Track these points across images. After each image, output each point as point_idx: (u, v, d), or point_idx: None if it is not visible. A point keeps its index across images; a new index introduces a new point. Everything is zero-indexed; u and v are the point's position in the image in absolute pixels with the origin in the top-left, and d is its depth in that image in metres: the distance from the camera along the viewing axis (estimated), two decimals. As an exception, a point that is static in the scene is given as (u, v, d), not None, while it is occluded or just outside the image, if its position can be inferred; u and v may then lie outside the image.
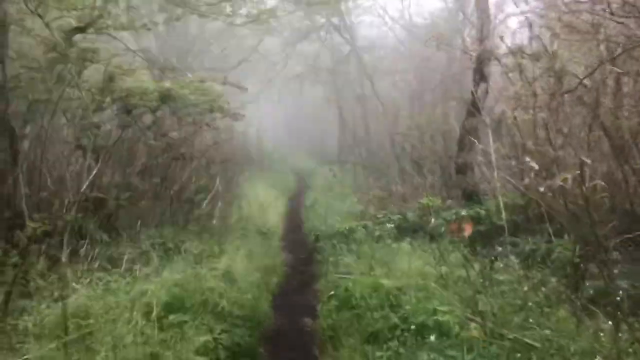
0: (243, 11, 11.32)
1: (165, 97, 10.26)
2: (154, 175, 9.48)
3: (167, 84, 10.50)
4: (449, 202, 9.72)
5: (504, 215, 6.97)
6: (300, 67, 23.65)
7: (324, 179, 19.73)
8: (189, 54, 22.47)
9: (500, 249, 6.85)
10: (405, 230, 9.27)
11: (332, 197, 14.81)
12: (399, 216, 9.53)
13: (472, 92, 8.26)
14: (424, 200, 9.54)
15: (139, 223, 7.83)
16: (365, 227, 9.46)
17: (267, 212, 12.85)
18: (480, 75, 7.92)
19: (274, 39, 26.04)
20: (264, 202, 14.12)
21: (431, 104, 14.28)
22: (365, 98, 23.17)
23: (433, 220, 8.83)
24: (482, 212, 7.69)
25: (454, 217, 8.08)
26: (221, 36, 25.88)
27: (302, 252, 9.91)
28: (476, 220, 7.73)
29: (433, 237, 8.69)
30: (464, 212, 7.94)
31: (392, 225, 8.96)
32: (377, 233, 8.83)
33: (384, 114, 19.13)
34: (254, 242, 8.78)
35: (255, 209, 12.83)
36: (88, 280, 5.45)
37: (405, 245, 8.34)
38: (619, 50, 5.95)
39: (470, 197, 8.35)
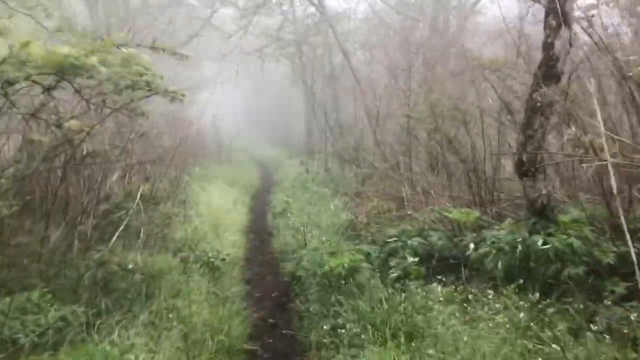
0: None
1: (63, 69, 6.87)
2: (34, 189, 6.04)
3: (65, 49, 7.06)
4: (484, 217, 6.67)
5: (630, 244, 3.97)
6: (261, 41, 20.14)
7: (294, 173, 16.46)
8: (129, 27, 18.68)
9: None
10: (427, 259, 6.19)
11: (307, 199, 11.58)
12: (418, 239, 6.39)
13: (545, 46, 5.17)
14: (453, 214, 6.45)
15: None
16: (369, 258, 6.32)
17: (222, 225, 9.54)
18: (560, 18, 4.83)
19: (228, 10, 22.49)
20: (219, 208, 10.78)
21: (438, 80, 11.12)
22: (336, 77, 19.96)
23: (472, 246, 5.77)
24: (575, 242, 4.65)
25: (520, 246, 4.99)
26: (167, 8, 22.21)
27: (275, 310, 6.36)
28: (561, 254, 4.69)
29: (472, 274, 5.65)
30: (538, 240, 4.87)
31: (413, 259, 5.81)
32: (393, 274, 5.68)
33: (362, 94, 15.98)
34: (197, 297, 5.45)
35: (208, 221, 9.52)
36: None
37: (436, 289, 5.26)
38: None
39: (541, 212, 5.33)
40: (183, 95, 7.80)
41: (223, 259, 7.09)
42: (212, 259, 6.96)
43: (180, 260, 6.80)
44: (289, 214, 10.47)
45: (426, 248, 6.34)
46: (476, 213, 6.34)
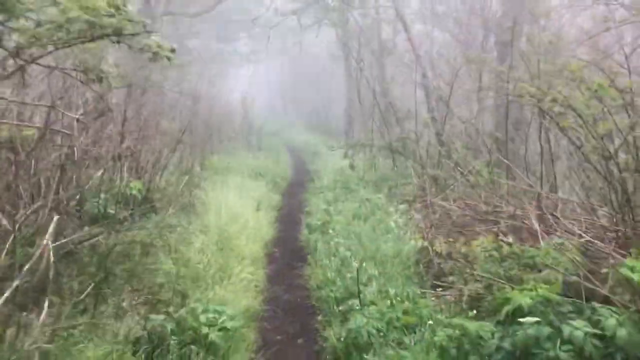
0: None
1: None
2: None
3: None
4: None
5: None
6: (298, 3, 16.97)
7: (333, 166, 13.42)
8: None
9: None
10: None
11: (354, 209, 8.54)
12: (583, 325, 3.34)
13: None
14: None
15: None
16: (478, 348, 3.37)
17: (236, 247, 6.64)
18: None
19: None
20: (236, 216, 7.88)
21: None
22: (389, 51, 16.75)
23: None
24: None
25: None
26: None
27: None
28: None
29: None
30: None
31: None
32: None
33: (423, 74, 12.79)
34: None
35: (215, 239, 6.65)
36: None
37: None
38: None
39: None
40: (172, 51, 4.94)
41: (224, 329, 4.18)
42: (205, 331, 4.06)
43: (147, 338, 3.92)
44: (330, 231, 7.50)
45: (598, 345, 3.30)
46: None
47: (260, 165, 14.95)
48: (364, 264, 5.81)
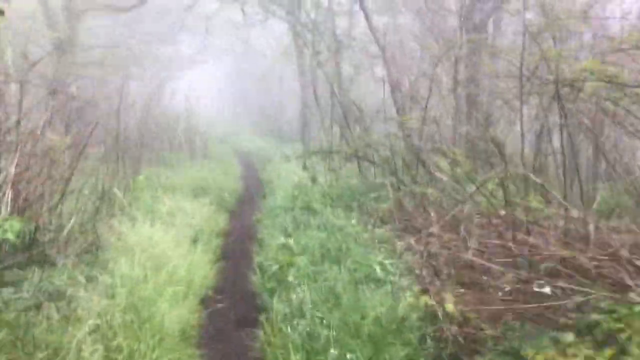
0: None
1: None
2: None
3: None
4: None
5: None
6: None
7: (290, 178, 11.35)
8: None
9: None
10: None
11: (321, 241, 6.51)
12: None
13: None
14: None
15: None
16: None
17: (153, 316, 4.52)
18: None
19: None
20: (161, 261, 5.75)
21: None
22: (347, 44, 14.88)
23: None
24: None
25: None
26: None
27: None
28: None
29: None
30: None
31: None
32: None
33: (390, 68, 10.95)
34: None
35: (121, 308, 4.52)
36: None
37: None
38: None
39: None
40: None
41: None
42: None
43: None
44: (290, 277, 5.48)
45: None
46: None
47: (205, 178, 12.75)
48: (339, 332, 3.83)
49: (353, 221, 7.15)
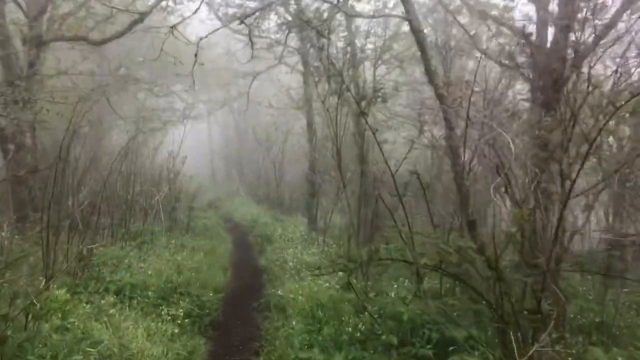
0: None
1: None
2: None
3: None
4: None
5: None
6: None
7: (312, 287, 7.65)
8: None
9: None
10: None
11: None
12: None
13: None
14: None
15: None
16: None
17: None
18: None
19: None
20: None
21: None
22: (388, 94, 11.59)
23: None
24: None
25: None
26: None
27: None
28: None
29: None
30: None
31: None
32: None
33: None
34: None
35: None
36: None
37: None
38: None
39: None
40: None
41: None
42: None
43: None
44: None
45: None
46: None
47: (182, 267, 9.04)
48: None
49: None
